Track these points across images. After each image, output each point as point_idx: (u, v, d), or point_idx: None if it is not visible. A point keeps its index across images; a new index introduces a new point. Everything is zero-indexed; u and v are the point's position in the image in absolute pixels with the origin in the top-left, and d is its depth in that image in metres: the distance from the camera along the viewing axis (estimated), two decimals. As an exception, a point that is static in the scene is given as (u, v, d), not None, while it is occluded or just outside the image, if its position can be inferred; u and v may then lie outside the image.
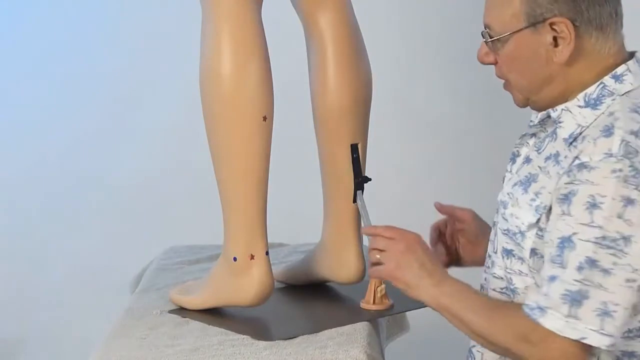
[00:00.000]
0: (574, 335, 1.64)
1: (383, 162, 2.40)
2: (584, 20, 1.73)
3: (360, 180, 2.06)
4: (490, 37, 1.78)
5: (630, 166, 1.64)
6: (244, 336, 1.94)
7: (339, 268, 2.14)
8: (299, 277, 2.27)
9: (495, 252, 1.85)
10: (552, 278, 1.67)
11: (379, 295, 2.08)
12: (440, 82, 3.30)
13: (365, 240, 2.11)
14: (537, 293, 1.69)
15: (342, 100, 2.09)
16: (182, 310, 2.09)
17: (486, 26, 1.80)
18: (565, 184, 1.69)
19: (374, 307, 2.09)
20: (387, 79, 2.91)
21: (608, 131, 1.69)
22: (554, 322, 1.65)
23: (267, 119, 1.97)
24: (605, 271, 1.64)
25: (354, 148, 2.06)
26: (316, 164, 2.15)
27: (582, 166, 1.67)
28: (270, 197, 2.04)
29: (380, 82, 2.22)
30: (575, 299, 1.64)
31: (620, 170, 1.64)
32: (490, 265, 1.87)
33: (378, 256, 1.87)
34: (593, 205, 1.65)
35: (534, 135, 1.86)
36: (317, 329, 1.96)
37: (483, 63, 1.83)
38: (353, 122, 2.11)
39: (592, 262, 1.64)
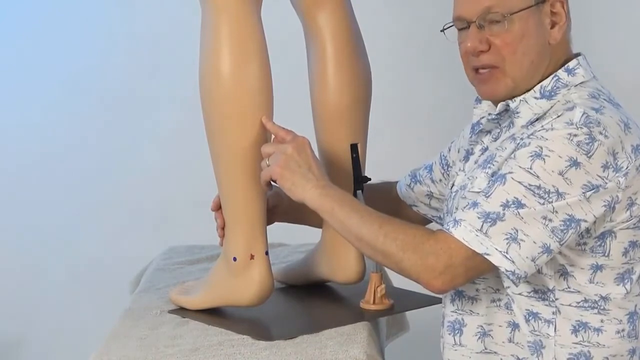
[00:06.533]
0: (479, 249, 1.72)
1: (383, 161, 2.39)
2: (568, 6, 1.86)
3: (359, 179, 2.06)
4: (493, 20, 1.83)
5: (587, 135, 1.73)
6: (244, 336, 1.94)
7: (339, 268, 2.14)
8: (298, 277, 2.27)
9: None
10: (475, 204, 1.75)
11: (379, 295, 2.08)
12: (440, 81, 3.30)
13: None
14: (457, 212, 1.78)
15: (342, 99, 2.09)
16: (182, 310, 2.09)
17: (484, 10, 1.84)
18: (522, 139, 1.78)
19: (374, 307, 2.09)
20: (387, 78, 2.91)
21: (570, 107, 1.78)
22: (465, 233, 1.73)
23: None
24: (529, 209, 1.72)
25: (353, 148, 2.06)
26: (316, 164, 2.15)
27: (543, 129, 1.76)
28: (270, 197, 2.04)
29: (379, 81, 2.21)
30: (490, 218, 1.72)
31: (576, 135, 1.73)
32: None
33: (267, 161, 1.91)
34: (538, 155, 1.73)
35: (488, 132, 1.93)
36: (317, 329, 1.96)
37: (473, 53, 1.87)
38: (352, 121, 2.11)
39: (519, 204, 1.72)
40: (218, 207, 2.06)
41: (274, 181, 1.91)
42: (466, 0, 1.86)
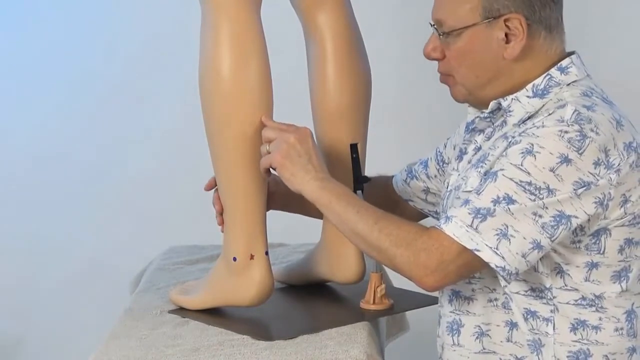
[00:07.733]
0: (470, 245, 1.72)
1: (383, 161, 2.39)
2: (536, 19, 1.82)
3: (359, 180, 2.06)
4: (444, 32, 1.85)
5: (578, 131, 1.73)
6: (244, 336, 1.94)
7: (339, 268, 2.14)
8: (299, 277, 2.27)
9: None
10: (466, 201, 1.75)
11: (379, 295, 2.08)
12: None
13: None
14: (449, 210, 1.79)
15: (342, 99, 2.09)
16: (182, 310, 2.09)
17: (437, 22, 1.88)
18: (514, 137, 1.78)
19: (374, 307, 2.09)
20: (387, 78, 2.91)
21: (562, 105, 1.78)
22: (456, 229, 1.73)
23: (267, 119, 1.97)
24: (519, 204, 1.72)
25: (353, 148, 2.06)
26: (316, 164, 2.14)
27: (534, 126, 1.77)
28: (270, 197, 2.03)
29: (379, 81, 2.21)
30: (481, 214, 1.72)
31: (567, 132, 1.73)
32: None
33: (268, 147, 1.90)
34: (528, 152, 1.74)
35: (481, 131, 1.94)
36: (317, 329, 1.96)
37: (429, 58, 1.92)
38: (352, 121, 2.11)
39: (509, 200, 1.72)
40: (212, 186, 2.08)
41: (274, 169, 1.91)
42: (434, 5, 1.90)
